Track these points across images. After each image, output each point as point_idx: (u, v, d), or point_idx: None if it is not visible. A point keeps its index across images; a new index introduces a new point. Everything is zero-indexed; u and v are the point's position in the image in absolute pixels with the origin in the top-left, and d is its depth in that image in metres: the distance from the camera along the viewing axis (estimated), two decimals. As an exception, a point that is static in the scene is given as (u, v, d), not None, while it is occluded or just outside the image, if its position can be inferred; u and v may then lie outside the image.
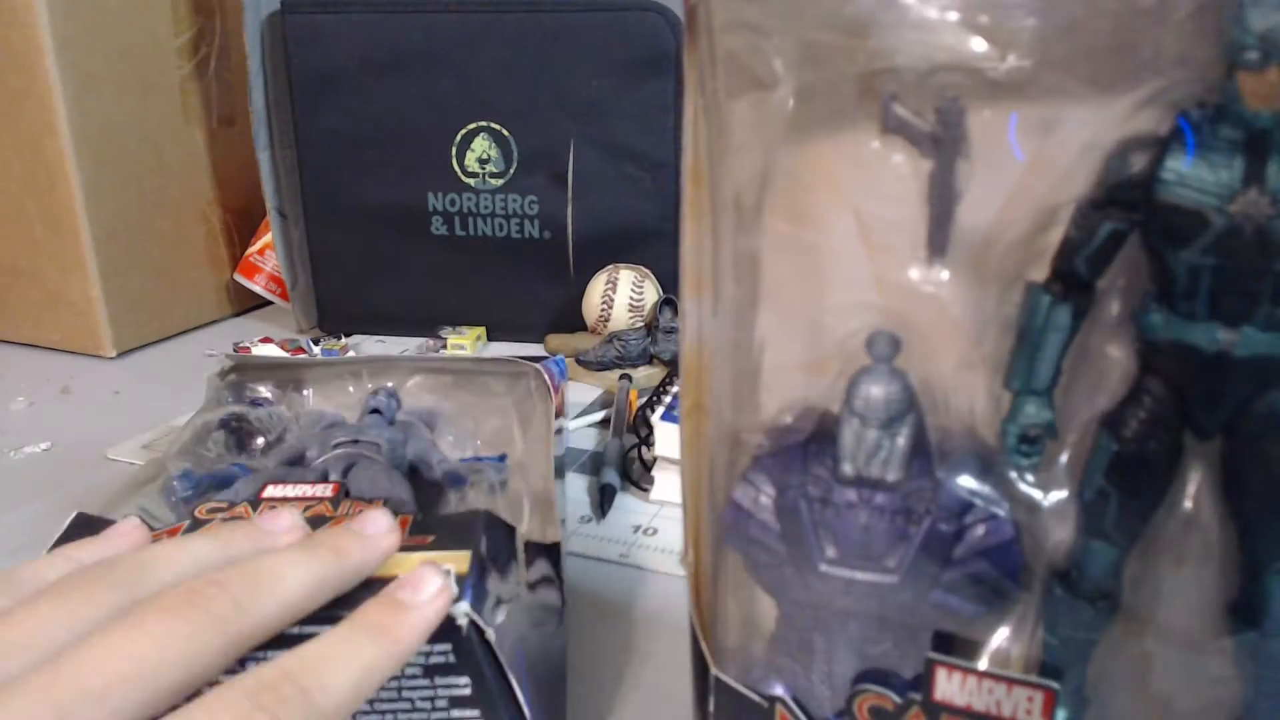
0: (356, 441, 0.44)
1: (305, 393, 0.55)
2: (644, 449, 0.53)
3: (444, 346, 0.74)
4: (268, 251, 0.86)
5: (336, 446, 0.43)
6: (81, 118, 0.73)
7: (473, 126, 0.74)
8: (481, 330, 0.77)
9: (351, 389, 0.55)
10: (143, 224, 0.79)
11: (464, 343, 0.73)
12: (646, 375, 0.68)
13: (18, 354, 0.80)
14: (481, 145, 0.75)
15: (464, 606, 0.27)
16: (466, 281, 0.78)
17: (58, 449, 0.59)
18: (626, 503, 0.51)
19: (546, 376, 0.52)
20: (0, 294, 0.82)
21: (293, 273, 0.81)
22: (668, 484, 0.51)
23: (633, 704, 0.36)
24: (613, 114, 0.74)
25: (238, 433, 0.48)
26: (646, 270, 0.74)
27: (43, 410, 0.67)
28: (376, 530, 0.28)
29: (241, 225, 0.90)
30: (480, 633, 0.27)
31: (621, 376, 0.66)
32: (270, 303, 0.89)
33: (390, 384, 0.54)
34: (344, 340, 0.76)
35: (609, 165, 0.75)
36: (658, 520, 0.49)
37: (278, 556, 0.26)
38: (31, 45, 0.70)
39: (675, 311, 0.70)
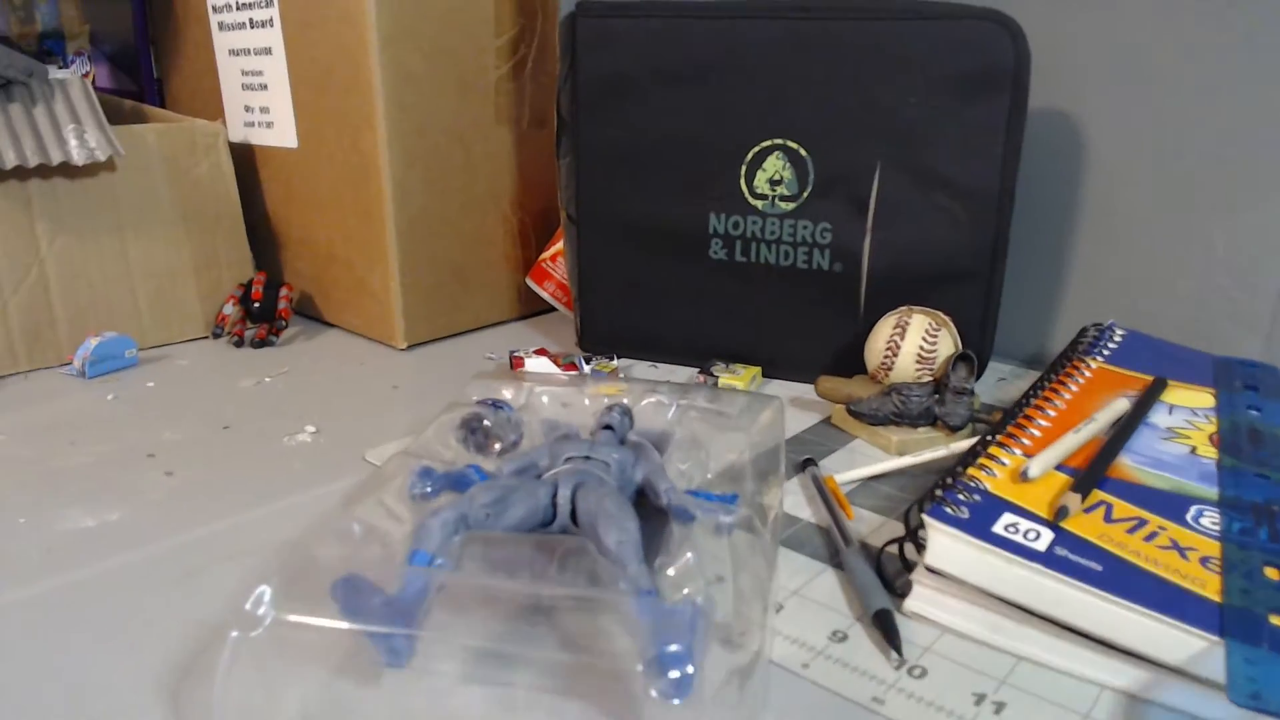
0: (588, 459, 0.44)
1: (543, 398, 0.56)
2: (905, 545, 0.44)
3: (715, 384, 0.68)
4: (559, 259, 0.86)
5: (568, 461, 0.44)
6: (398, 113, 0.75)
7: (766, 144, 0.68)
8: (757, 371, 0.70)
9: (588, 402, 0.55)
10: (446, 220, 0.81)
11: (738, 384, 0.67)
12: (922, 439, 0.58)
13: (329, 334, 0.85)
14: (774, 165, 0.68)
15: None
16: (742, 311, 0.72)
17: (321, 438, 0.61)
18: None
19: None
20: (318, 276, 0.87)
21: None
22: (935, 601, 0.40)
23: None
24: (930, 137, 0.64)
25: (477, 434, 0.50)
26: (945, 317, 0.64)
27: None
28: None
29: (540, 228, 0.90)
30: None
31: (805, 461, 0.56)
32: (555, 309, 0.88)
33: (625, 400, 0.53)
34: (614, 362, 0.73)
35: (919, 194, 0.65)
36: (927, 658, 0.37)
37: None
38: (359, 41, 0.73)
39: (971, 370, 0.59)
